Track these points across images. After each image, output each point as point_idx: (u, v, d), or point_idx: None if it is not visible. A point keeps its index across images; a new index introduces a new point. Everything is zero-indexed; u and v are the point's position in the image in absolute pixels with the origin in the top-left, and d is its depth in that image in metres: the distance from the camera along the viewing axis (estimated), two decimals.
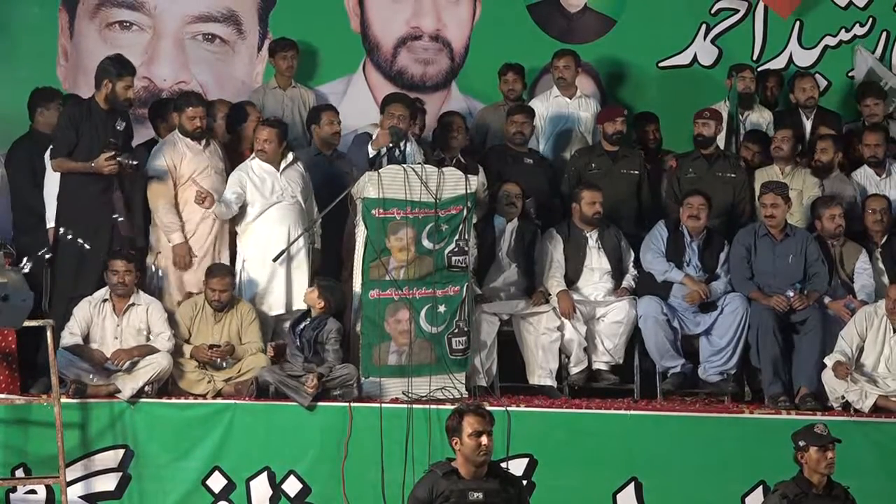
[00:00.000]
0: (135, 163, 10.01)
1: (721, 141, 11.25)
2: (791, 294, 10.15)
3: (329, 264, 10.55)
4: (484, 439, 7.32)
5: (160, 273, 10.35)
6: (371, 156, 10.23)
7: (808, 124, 11.67)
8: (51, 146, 10.17)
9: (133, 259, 9.97)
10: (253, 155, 10.40)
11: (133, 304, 9.89)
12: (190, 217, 10.38)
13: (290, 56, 11.62)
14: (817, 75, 12.13)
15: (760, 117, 11.75)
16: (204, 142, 10.47)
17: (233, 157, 10.71)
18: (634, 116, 11.87)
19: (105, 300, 9.86)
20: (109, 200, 9.99)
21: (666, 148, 11.87)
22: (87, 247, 9.90)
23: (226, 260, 10.41)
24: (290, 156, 10.45)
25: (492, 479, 7.36)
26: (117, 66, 10.04)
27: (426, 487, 7.37)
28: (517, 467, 9.32)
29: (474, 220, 10.18)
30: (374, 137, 10.36)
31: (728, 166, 11.08)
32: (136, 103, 10.65)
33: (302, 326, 9.81)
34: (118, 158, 9.87)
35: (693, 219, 10.53)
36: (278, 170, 10.34)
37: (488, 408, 7.82)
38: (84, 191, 9.98)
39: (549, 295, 10.50)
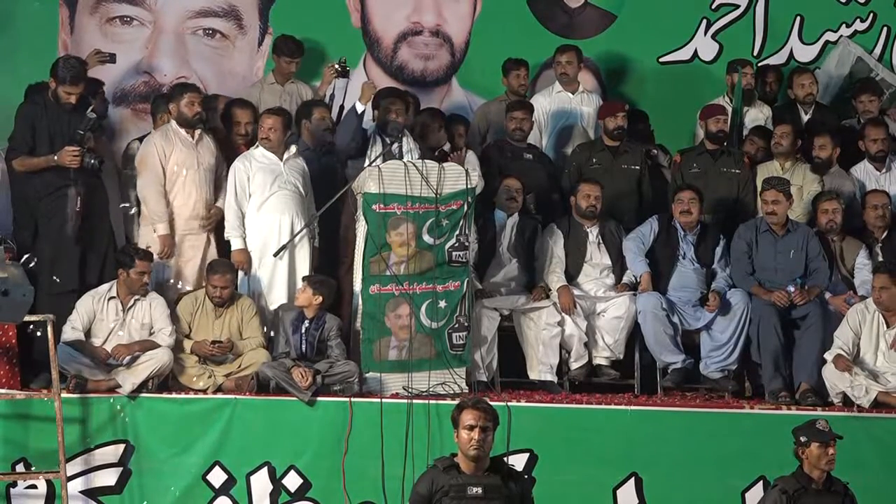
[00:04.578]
0: (96, 163, 9.99)
1: None
2: (792, 289, 10.15)
3: (325, 260, 10.54)
4: (475, 434, 7.31)
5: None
6: (360, 111, 10.24)
7: (805, 119, 11.67)
8: (7, 146, 10.19)
9: (151, 258, 10.01)
10: (256, 144, 10.39)
11: (138, 299, 9.89)
12: (180, 212, 10.39)
13: (296, 63, 11.61)
14: (817, 71, 12.11)
15: (760, 113, 11.75)
16: (197, 135, 10.47)
17: (228, 153, 10.70)
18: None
19: (112, 297, 9.86)
20: (65, 195, 9.95)
21: (659, 143, 11.86)
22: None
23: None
24: (293, 148, 10.47)
25: (493, 475, 7.34)
26: (63, 72, 9.99)
27: (427, 482, 7.38)
28: (518, 462, 9.32)
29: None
30: (359, 96, 10.38)
31: (732, 162, 11.09)
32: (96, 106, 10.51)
33: (304, 328, 9.81)
34: (83, 155, 9.86)
35: (685, 213, 10.54)
36: (281, 160, 10.34)
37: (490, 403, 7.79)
38: (41, 189, 9.99)
39: (550, 290, 10.51)
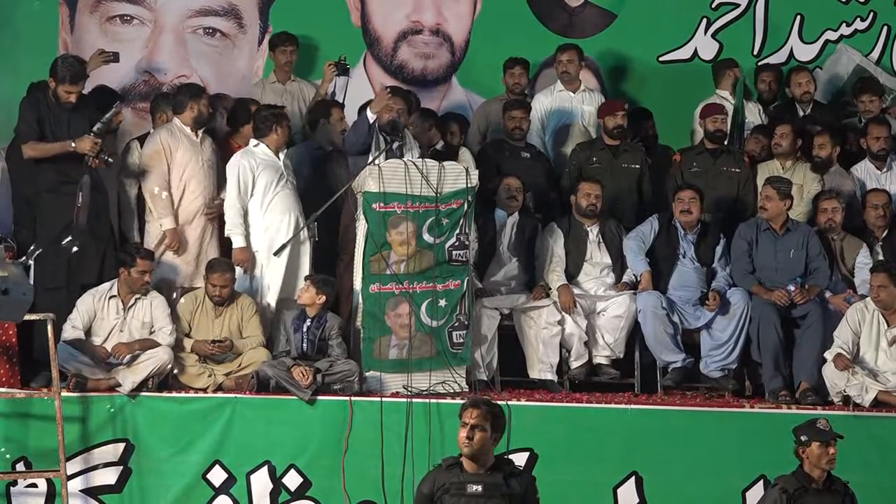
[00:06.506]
0: (110, 159, 10.02)
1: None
2: (792, 288, 10.15)
3: (324, 258, 10.54)
4: (465, 431, 7.32)
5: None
6: (371, 121, 10.22)
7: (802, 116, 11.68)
8: (14, 137, 10.21)
9: (153, 256, 10.01)
10: (256, 141, 10.36)
11: (139, 298, 9.90)
12: (188, 208, 10.41)
13: (289, 51, 11.65)
14: (817, 71, 12.11)
15: (755, 109, 11.76)
16: (200, 134, 10.48)
17: (224, 152, 10.70)
18: (630, 112, 11.84)
19: (113, 296, 9.86)
20: (65, 194, 9.92)
21: (663, 143, 11.86)
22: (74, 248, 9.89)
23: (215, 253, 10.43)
24: (285, 147, 10.50)
25: (495, 473, 7.35)
26: (63, 71, 9.98)
27: (429, 481, 7.40)
28: (517, 462, 9.28)
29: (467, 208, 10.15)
30: (371, 103, 10.41)
31: (732, 161, 11.08)
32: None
33: (306, 327, 9.81)
34: (100, 147, 9.89)
35: (685, 213, 10.54)
36: (279, 158, 10.35)
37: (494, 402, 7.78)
38: (41, 186, 10.02)
39: (550, 289, 10.51)
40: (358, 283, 9.95)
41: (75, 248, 9.83)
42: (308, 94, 11.70)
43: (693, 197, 10.56)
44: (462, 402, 7.70)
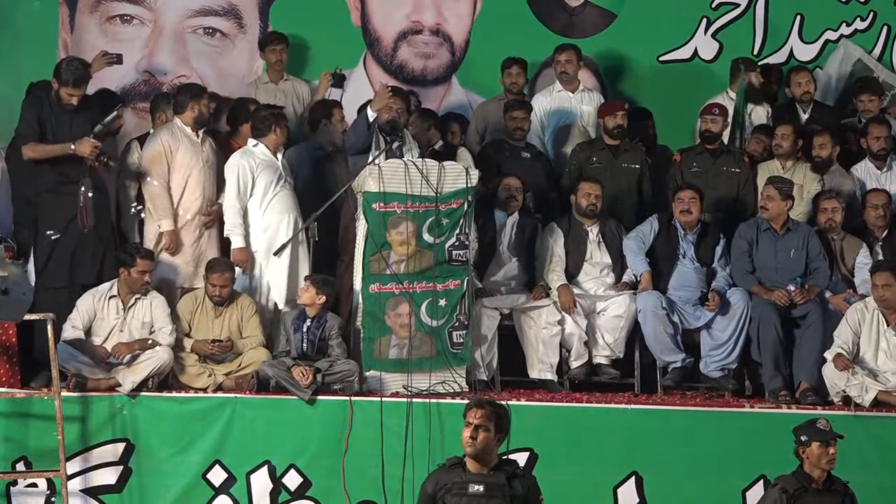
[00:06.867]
0: (111, 162, 10.02)
1: (725, 135, 11.24)
2: (792, 288, 10.15)
3: (324, 258, 10.54)
4: (468, 431, 7.32)
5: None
6: (370, 119, 10.22)
7: (804, 118, 11.66)
8: (14, 137, 10.21)
9: (153, 256, 10.01)
10: (255, 142, 10.37)
11: (138, 298, 9.89)
12: (190, 208, 10.41)
13: (279, 49, 11.66)
14: (817, 71, 12.11)
15: (763, 111, 11.76)
16: (201, 134, 10.48)
17: (225, 152, 10.70)
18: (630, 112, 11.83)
19: (113, 296, 9.86)
20: (64, 194, 9.93)
21: (662, 143, 11.86)
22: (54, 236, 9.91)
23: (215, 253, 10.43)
24: (283, 148, 10.51)
25: (498, 474, 7.35)
26: (66, 74, 9.99)
27: (433, 481, 7.41)
28: (517, 462, 9.31)
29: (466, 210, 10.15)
30: (371, 101, 10.42)
31: (732, 161, 11.08)
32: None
33: (306, 327, 9.81)
34: (101, 149, 9.89)
35: (685, 213, 10.54)
36: (276, 158, 10.35)
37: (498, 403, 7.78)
38: (41, 186, 10.02)
39: (550, 289, 10.51)
40: (358, 283, 9.95)
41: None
42: (301, 91, 11.72)
43: (693, 197, 10.56)
44: (462, 401, 7.69)
